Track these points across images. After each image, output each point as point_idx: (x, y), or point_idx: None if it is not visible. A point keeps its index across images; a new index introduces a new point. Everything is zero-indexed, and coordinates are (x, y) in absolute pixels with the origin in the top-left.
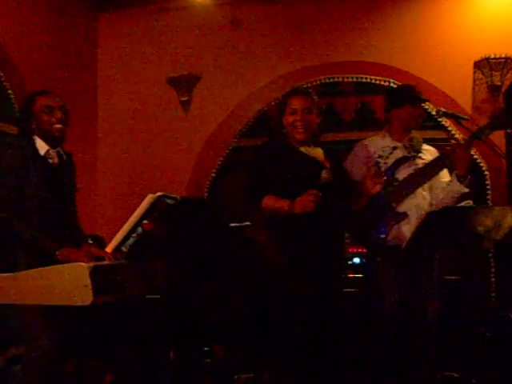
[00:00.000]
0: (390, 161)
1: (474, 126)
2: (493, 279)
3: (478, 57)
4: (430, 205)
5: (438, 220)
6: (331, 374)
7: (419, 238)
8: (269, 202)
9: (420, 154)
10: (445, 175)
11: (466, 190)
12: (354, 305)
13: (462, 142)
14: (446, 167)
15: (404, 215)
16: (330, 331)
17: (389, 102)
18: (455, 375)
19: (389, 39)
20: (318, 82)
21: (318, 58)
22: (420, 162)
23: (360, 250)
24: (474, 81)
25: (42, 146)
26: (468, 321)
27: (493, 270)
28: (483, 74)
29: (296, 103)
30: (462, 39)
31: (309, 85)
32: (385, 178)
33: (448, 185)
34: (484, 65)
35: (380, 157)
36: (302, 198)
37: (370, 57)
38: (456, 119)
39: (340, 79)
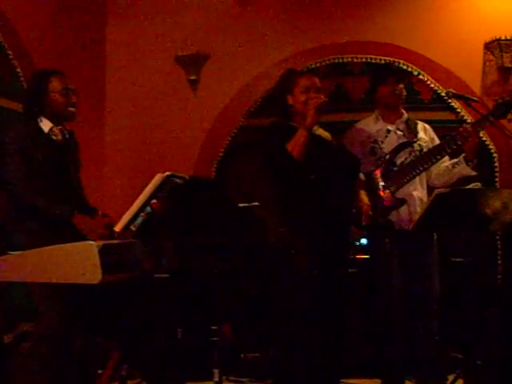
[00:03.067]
0: (385, 145)
1: (483, 108)
2: (499, 262)
3: (488, 38)
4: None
5: (446, 201)
6: (338, 353)
7: (427, 219)
8: (290, 145)
9: (418, 137)
10: (445, 157)
11: (474, 172)
12: (361, 285)
13: (469, 126)
14: (453, 151)
15: (403, 201)
16: (337, 311)
17: (371, 86)
18: (459, 356)
19: (398, 20)
20: (327, 62)
21: (327, 38)
22: (419, 146)
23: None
24: (484, 62)
25: (45, 124)
26: (475, 303)
27: (499, 252)
28: (493, 55)
29: (308, 82)
30: (473, 20)
31: (317, 65)
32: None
33: (454, 167)
34: (494, 46)
35: (375, 141)
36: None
37: (379, 37)
38: (465, 101)
39: (349, 59)
